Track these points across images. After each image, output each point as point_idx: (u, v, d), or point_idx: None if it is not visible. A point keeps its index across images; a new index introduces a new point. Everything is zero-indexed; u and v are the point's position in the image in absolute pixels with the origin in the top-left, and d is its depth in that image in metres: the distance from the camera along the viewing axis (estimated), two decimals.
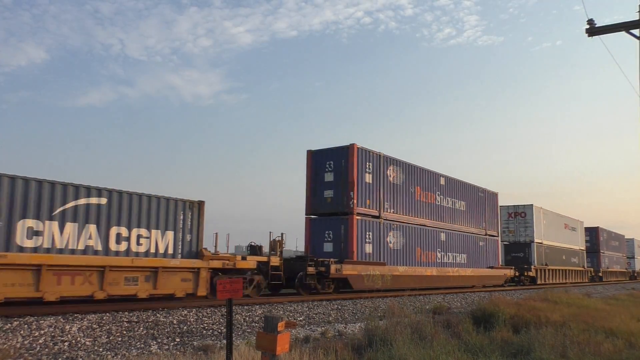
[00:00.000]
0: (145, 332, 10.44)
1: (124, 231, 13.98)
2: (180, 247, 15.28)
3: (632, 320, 14.33)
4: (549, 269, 39.64)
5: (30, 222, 12.21)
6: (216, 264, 15.83)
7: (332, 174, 21.51)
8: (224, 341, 9.10)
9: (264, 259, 17.74)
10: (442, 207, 27.44)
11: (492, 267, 31.90)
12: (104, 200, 13.64)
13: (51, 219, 12.53)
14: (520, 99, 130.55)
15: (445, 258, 27.17)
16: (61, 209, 12.80)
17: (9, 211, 11.83)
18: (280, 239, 18.77)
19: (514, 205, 38.33)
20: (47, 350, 8.54)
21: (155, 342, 9.60)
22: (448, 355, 8.29)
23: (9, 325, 9.55)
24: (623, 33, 15.43)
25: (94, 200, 13.47)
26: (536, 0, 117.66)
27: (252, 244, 18.38)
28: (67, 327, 9.91)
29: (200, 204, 15.96)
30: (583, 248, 49.96)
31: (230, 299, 6.60)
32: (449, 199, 28.17)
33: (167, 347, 9.30)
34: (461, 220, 29.32)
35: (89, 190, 13.30)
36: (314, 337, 10.68)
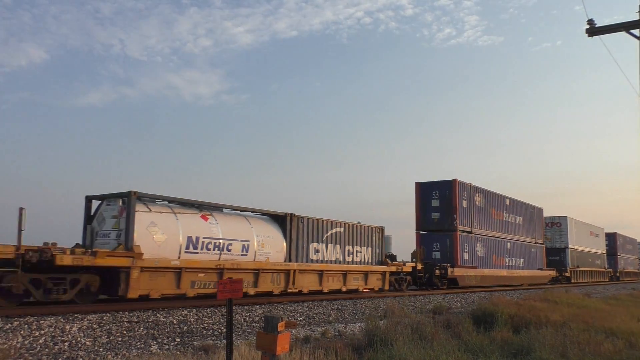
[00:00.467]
0: (145, 332, 10.44)
1: (351, 248, 21.49)
2: (374, 257, 22.94)
3: (632, 320, 14.34)
4: (580, 270, 46.81)
5: (315, 245, 19.64)
6: (393, 268, 23.55)
7: (438, 201, 29.36)
8: (224, 341, 9.10)
9: (413, 264, 24.98)
10: (507, 222, 35.28)
11: (540, 269, 39.23)
12: (341, 229, 21.01)
13: (323, 242, 20.06)
14: (520, 99, 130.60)
15: (510, 262, 34.68)
16: (326, 235, 20.27)
17: (305, 238, 19.19)
18: (420, 249, 26.53)
19: (550, 217, 45.66)
20: (47, 350, 8.54)
21: (155, 342, 9.61)
22: (448, 355, 8.29)
23: (9, 325, 9.55)
24: (623, 33, 15.43)
25: (339, 229, 20.90)
26: (536, 1, 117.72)
27: (390, 254, 24.95)
28: (68, 327, 9.90)
29: (382, 228, 23.55)
30: (604, 251, 57.13)
31: (230, 299, 6.60)
32: (512, 215, 36.06)
33: (167, 347, 9.30)
34: (520, 231, 36.93)
35: (335, 223, 20.71)
36: (314, 337, 10.68)
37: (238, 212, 17.59)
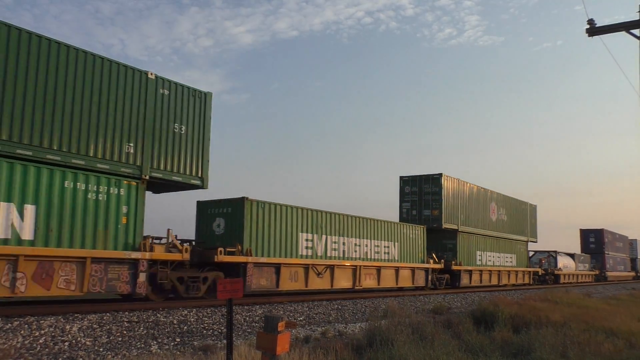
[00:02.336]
0: (145, 332, 10.43)
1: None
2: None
3: (632, 320, 14.32)
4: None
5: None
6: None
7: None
8: (224, 341, 9.10)
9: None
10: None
11: None
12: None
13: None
14: (520, 99, 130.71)
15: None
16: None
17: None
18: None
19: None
20: (47, 350, 8.53)
21: (155, 342, 9.60)
22: (448, 356, 8.28)
23: (10, 325, 9.54)
24: (623, 33, 15.41)
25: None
26: (537, 1, 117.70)
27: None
28: (68, 327, 9.90)
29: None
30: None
31: (230, 299, 6.59)
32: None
33: (167, 347, 9.29)
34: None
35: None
36: (314, 337, 10.67)
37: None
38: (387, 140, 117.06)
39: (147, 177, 13.71)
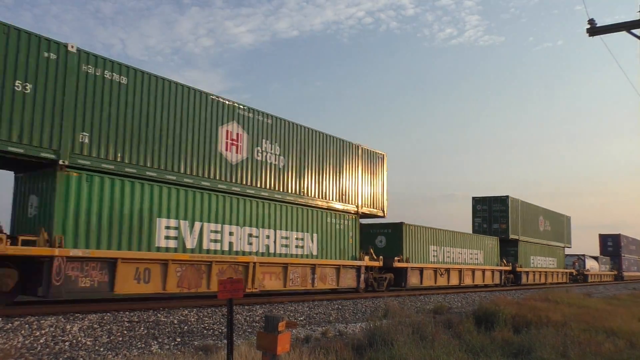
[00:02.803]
0: (146, 332, 10.43)
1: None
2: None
3: (633, 320, 14.32)
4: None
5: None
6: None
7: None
8: (225, 341, 9.09)
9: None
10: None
11: None
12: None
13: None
14: (520, 99, 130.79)
15: None
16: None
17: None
18: None
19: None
20: (48, 350, 8.54)
21: (156, 342, 9.60)
22: (449, 356, 8.28)
23: (10, 325, 9.54)
24: (624, 33, 15.39)
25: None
26: (537, 0, 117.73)
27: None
28: (68, 326, 9.90)
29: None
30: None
31: (231, 299, 6.59)
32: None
33: (167, 347, 9.29)
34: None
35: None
36: (315, 337, 10.67)
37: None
38: (387, 139, 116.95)
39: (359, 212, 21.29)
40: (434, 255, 26.29)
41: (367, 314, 15.46)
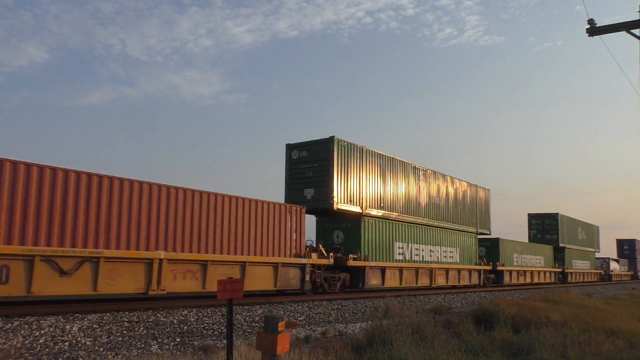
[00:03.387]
0: (145, 332, 10.43)
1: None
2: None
3: (632, 320, 14.34)
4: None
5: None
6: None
7: None
8: (225, 341, 9.10)
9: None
10: None
11: None
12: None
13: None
14: (521, 99, 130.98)
15: None
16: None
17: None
18: None
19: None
20: (47, 350, 8.53)
21: (155, 342, 9.60)
22: (448, 355, 8.28)
23: (10, 325, 9.54)
24: (624, 33, 15.41)
25: None
26: (537, 0, 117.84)
27: None
28: (68, 327, 9.90)
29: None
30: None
31: (230, 299, 6.59)
32: None
33: (167, 347, 9.29)
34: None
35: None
36: (315, 337, 10.67)
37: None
38: (387, 140, 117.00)
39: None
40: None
41: (366, 314, 15.46)
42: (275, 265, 16.75)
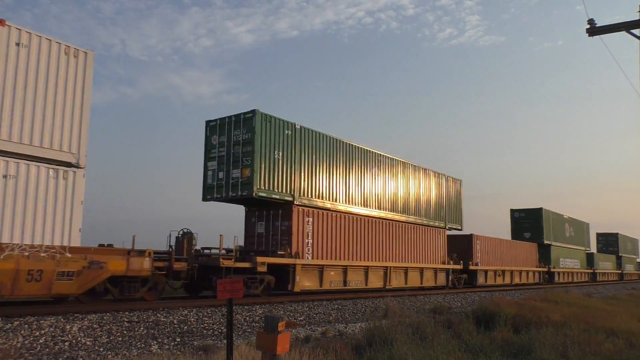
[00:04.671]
0: (145, 332, 10.43)
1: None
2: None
3: (632, 320, 14.32)
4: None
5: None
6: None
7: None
8: (225, 341, 9.09)
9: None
10: None
11: None
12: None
13: None
14: (521, 99, 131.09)
15: None
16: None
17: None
18: None
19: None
20: (47, 350, 8.53)
21: (155, 342, 9.60)
22: (448, 355, 8.28)
23: (10, 325, 9.54)
24: (623, 33, 15.39)
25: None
26: (538, 0, 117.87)
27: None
28: (68, 327, 9.90)
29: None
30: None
31: (230, 299, 6.59)
32: None
33: (167, 347, 9.29)
34: None
35: None
36: (315, 337, 10.67)
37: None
38: (387, 140, 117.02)
39: None
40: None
41: (366, 314, 15.45)
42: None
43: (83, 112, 13.32)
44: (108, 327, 10.31)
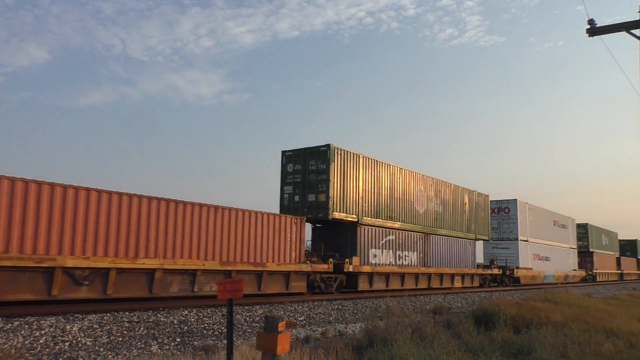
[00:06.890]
0: (145, 332, 10.43)
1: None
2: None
3: (632, 320, 14.30)
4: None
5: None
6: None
7: None
8: (225, 341, 9.10)
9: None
10: None
11: None
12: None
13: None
14: (521, 99, 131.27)
15: None
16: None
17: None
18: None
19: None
20: (47, 350, 8.54)
21: (155, 342, 9.60)
22: (448, 356, 8.28)
23: (10, 325, 9.55)
24: (624, 33, 15.38)
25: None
26: (538, 1, 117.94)
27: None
28: (68, 327, 9.90)
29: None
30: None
31: (231, 299, 6.59)
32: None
33: (167, 347, 9.29)
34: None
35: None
36: (315, 337, 10.67)
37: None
38: (387, 140, 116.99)
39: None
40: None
41: (366, 314, 15.45)
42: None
43: None
44: (108, 327, 10.32)
